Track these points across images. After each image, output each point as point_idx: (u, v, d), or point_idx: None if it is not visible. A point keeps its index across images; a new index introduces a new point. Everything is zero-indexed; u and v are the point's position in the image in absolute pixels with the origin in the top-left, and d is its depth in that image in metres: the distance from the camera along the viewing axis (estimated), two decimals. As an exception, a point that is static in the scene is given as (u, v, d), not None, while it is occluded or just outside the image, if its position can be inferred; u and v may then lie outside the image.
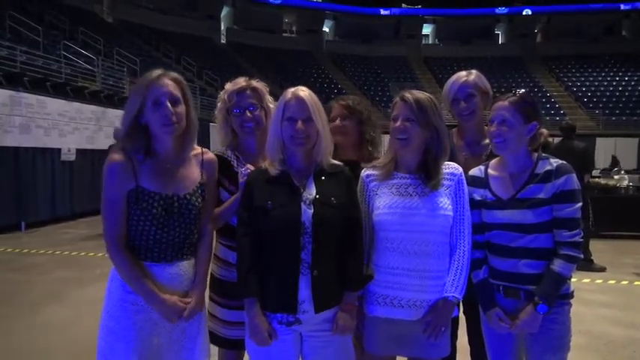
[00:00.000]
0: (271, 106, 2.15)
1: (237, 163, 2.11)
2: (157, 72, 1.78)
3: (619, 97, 27.78)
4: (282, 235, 1.75)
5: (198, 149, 1.92)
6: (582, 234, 1.89)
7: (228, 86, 2.15)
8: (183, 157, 1.85)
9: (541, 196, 1.87)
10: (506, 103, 1.91)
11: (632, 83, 28.83)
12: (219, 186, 2.08)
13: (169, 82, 1.77)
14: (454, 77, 2.37)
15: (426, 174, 1.87)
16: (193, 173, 1.86)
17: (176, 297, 1.77)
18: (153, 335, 1.76)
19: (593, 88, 29.41)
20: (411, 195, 1.86)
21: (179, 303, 1.77)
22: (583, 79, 30.92)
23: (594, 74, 31.02)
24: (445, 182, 1.88)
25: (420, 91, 1.94)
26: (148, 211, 1.74)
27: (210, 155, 1.96)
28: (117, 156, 1.75)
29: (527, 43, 35.22)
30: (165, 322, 1.77)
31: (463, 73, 2.38)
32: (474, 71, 2.38)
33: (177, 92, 1.77)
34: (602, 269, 6.29)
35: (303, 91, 1.82)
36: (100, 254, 6.84)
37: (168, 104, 1.73)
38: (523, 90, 2.00)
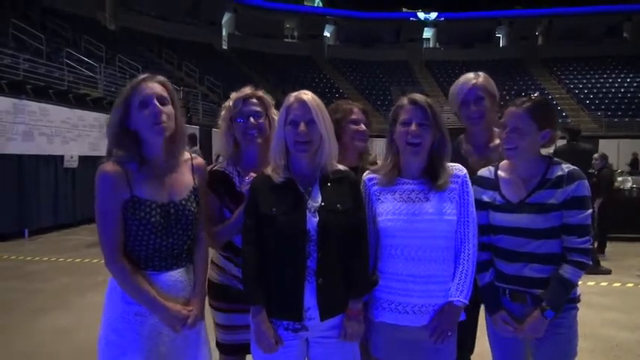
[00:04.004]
0: (276, 118, 2.13)
1: (239, 180, 2.06)
2: (142, 76, 1.76)
3: (621, 98, 27.73)
4: (287, 243, 1.73)
5: (187, 155, 1.89)
6: (592, 240, 1.87)
7: (234, 95, 2.13)
8: (174, 163, 1.82)
9: (552, 201, 1.85)
10: (519, 110, 1.87)
11: (634, 85, 28.78)
12: (221, 202, 2.05)
13: (155, 84, 1.74)
14: (462, 79, 2.32)
15: (433, 177, 1.84)
16: (186, 178, 1.84)
17: (180, 305, 1.75)
18: (158, 345, 1.74)
19: (595, 90, 29.37)
20: (414, 201, 1.83)
21: (183, 311, 1.75)
22: (585, 81, 30.88)
23: (596, 76, 30.99)
24: (450, 186, 1.84)
25: (422, 94, 1.93)
26: (146, 220, 1.71)
27: (199, 160, 1.93)
28: (109, 166, 1.70)
29: (528, 45, 35.22)
30: (169, 330, 1.75)
31: (471, 75, 2.33)
32: (481, 73, 2.34)
33: (164, 93, 1.74)
34: (608, 272, 6.26)
35: (306, 94, 1.80)
36: (103, 261, 6.82)
37: (157, 103, 1.70)
38: (537, 94, 1.94)
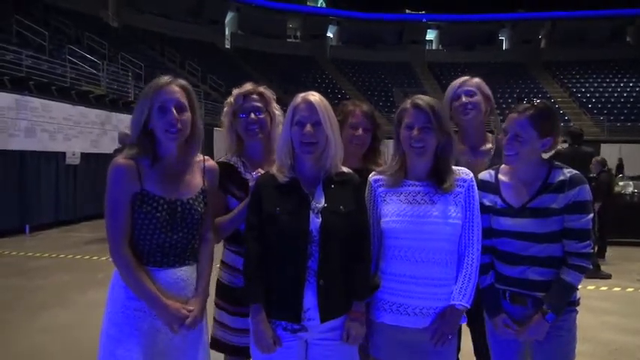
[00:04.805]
0: (277, 112, 2.15)
1: (244, 170, 2.10)
2: (165, 78, 1.80)
3: (624, 102, 27.70)
4: (289, 243, 1.74)
5: (200, 156, 1.92)
6: (592, 245, 1.87)
7: (236, 91, 2.17)
8: (187, 162, 1.86)
9: (554, 206, 1.84)
10: (521, 117, 1.86)
11: (637, 89, 28.74)
12: (228, 194, 2.08)
13: (177, 88, 1.78)
14: (456, 81, 2.39)
15: (438, 179, 1.84)
16: (196, 179, 1.87)
17: (179, 304, 1.76)
18: (156, 342, 1.75)
19: (597, 94, 29.34)
20: (419, 203, 1.83)
21: (182, 310, 1.76)
22: (587, 84, 30.86)
23: (599, 80, 30.97)
24: (456, 189, 1.84)
25: (425, 95, 1.93)
26: (151, 214, 1.74)
27: (211, 162, 1.96)
28: (122, 159, 1.76)
29: (531, 48, 35.20)
30: (167, 329, 1.75)
31: (465, 77, 2.39)
32: (476, 77, 2.39)
33: (183, 99, 1.78)
34: (608, 276, 6.26)
35: (313, 96, 1.81)
36: (104, 258, 6.84)
37: (174, 110, 1.74)
38: (539, 100, 1.91)
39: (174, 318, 1.74)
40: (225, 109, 2.17)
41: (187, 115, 1.79)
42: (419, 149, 1.82)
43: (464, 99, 2.30)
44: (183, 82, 1.82)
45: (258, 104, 2.12)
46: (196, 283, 1.85)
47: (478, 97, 2.31)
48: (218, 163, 2.11)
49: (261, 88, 2.17)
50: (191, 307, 1.79)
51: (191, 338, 1.82)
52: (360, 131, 2.22)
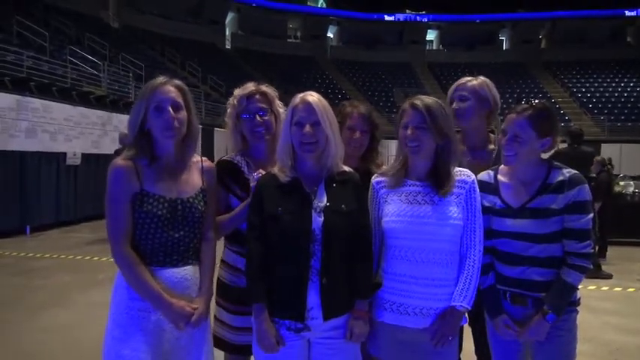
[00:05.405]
0: (281, 110, 2.15)
1: (248, 169, 2.10)
2: (160, 79, 1.82)
3: (624, 102, 27.72)
4: (291, 242, 1.74)
5: (197, 157, 1.94)
6: (592, 245, 1.87)
7: (238, 91, 2.16)
8: (184, 161, 1.87)
9: (553, 206, 1.85)
10: (520, 118, 1.86)
11: (638, 89, 28.77)
12: (229, 193, 2.08)
13: (172, 88, 1.80)
14: (457, 81, 2.37)
15: (437, 181, 1.84)
16: (195, 179, 1.88)
17: (184, 302, 1.77)
18: (162, 342, 1.76)
19: (597, 94, 29.36)
20: (420, 203, 1.83)
21: (187, 308, 1.76)
22: (588, 84, 30.88)
23: (599, 80, 30.99)
24: (456, 190, 1.83)
25: (428, 96, 1.92)
26: (152, 213, 1.75)
27: (209, 163, 1.97)
28: (121, 160, 1.78)
29: (531, 48, 35.21)
30: (172, 328, 1.76)
31: (468, 77, 2.37)
32: (480, 77, 2.36)
33: (179, 99, 1.80)
34: (609, 276, 6.26)
35: (312, 96, 1.81)
36: (105, 258, 6.85)
37: (170, 109, 1.76)
38: (538, 101, 1.91)
39: (178, 316, 1.74)
40: (228, 110, 2.16)
41: (183, 114, 1.80)
42: (413, 148, 1.83)
43: (454, 105, 2.30)
44: (178, 82, 1.84)
45: (262, 105, 2.11)
46: (200, 282, 1.86)
47: (470, 102, 2.28)
48: (221, 161, 2.11)
49: (264, 87, 2.16)
50: (196, 306, 1.79)
51: (197, 337, 1.83)
52: (358, 134, 2.23)
